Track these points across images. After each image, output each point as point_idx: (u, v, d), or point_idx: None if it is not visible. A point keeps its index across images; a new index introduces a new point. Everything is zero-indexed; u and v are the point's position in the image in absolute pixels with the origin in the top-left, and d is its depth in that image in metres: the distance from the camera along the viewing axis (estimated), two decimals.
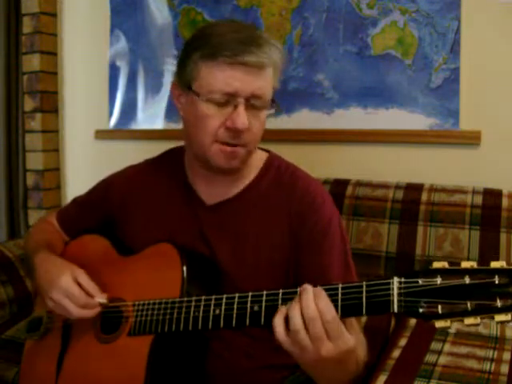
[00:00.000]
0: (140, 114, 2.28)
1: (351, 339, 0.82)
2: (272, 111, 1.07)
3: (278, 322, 0.82)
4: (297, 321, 0.80)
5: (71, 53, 2.44)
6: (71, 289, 1.04)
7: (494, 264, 0.74)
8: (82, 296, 1.04)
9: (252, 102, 1.02)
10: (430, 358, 1.19)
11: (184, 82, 1.06)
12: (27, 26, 2.37)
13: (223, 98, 1.01)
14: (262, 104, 1.03)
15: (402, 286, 0.78)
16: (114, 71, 2.32)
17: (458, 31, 1.71)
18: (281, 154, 1.22)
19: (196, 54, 1.03)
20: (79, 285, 1.06)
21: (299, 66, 1.94)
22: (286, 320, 0.82)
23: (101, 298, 1.06)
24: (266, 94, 1.03)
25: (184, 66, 1.06)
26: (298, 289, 0.86)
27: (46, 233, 1.32)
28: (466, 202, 1.56)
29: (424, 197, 1.61)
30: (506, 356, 1.21)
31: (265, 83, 1.02)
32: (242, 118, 1.00)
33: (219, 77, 1.00)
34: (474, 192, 1.58)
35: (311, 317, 0.80)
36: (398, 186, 1.67)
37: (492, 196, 1.55)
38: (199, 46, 1.03)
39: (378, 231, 1.63)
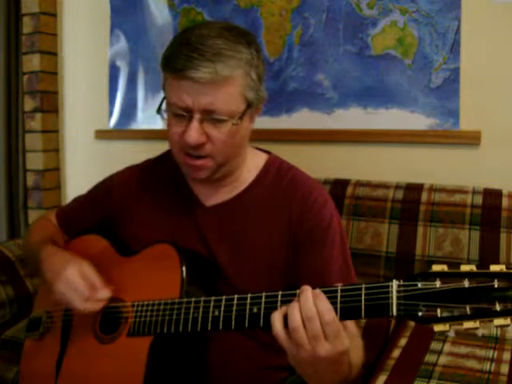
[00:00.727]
0: (140, 114, 2.28)
1: (347, 340, 0.82)
2: (239, 122, 1.02)
3: (276, 318, 0.83)
4: (296, 318, 0.80)
5: (71, 53, 2.44)
6: (76, 281, 1.04)
7: (494, 267, 0.74)
8: (86, 289, 1.04)
9: (208, 116, 1.00)
10: (429, 357, 1.19)
11: (163, 86, 1.07)
12: (27, 26, 2.37)
13: (179, 111, 1.00)
14: (219, 117, 1.00)
15: (401, 289, 0.78)
16: (113, 71, 2.32)
17: (457, 31, 1.71)
18: (281, 154, 1.22)
19: (161, 61, 1.03)
20: (85, 278, 1.06)
21: (299, 66, 1.94)
22: (285, 319, 0.83)
23: (105, 293, 1.05)
24: (224, 107, 0.99)
25: None
26: (298, 290, 0.86)
27: (48, 230, 1.32)
28: (466, 202, 1.56)
29: (424, 197, 1.61)
30: (506, 356, 1.21)
31: (220, 97, 0.98)
32: (192, 133, 0.99)
33: (173, 90, 1.00)
34: (474, 192, 1.58)
35: (310, 316, 0.80)
36: (398, 186, 1.67)
37: (492, 196, 1.55)
38: (163, 53, 1.03)
39: (378, 231, 1.63)
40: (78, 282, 1.04)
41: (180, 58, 0.96)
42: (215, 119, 1.00)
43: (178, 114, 1.01)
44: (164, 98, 1.06)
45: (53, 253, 1.16)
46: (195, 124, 0.99)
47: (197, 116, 0.99)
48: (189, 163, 1.06)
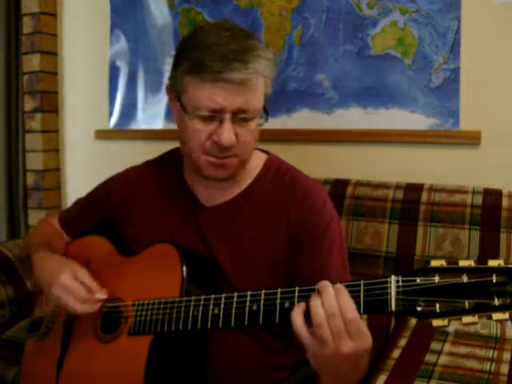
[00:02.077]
0: (140, 114, 2.28)
1: (370, 337, 0.82)
2: (262, 120, 1.04)
3: (297, 313, 0.83)
4: (320, 314, 0.80)
5: (71, 53, 2.44)
6: (71, 285, 1.05)
7: (492, 262, 0.74)
8: (82, 292, 1.05)
9: (239, 116, 1.00)
10: (429, 357, 1.19)
11: (175, 90, 1.06)
12: (27, 25, 2.37)
13: (209, 114, 1.00)
14: (250, 116, 1.01)
15: (400, 284, 0.78)
16: (113, 71, 2.32)
17: (457, 31, 1.71)
18: (281, 154, 1.22)
19: (182, 66, 1.02)
20: (79, 281, 1.06)
21: (299, 65, 1.94)
22: (305, 314, 0.82)
23: (100, 294, 1.06)
24: (254, 105, 1.01)
25: (175, 75, 1.05)
26: (296, 287, 0.86)
27: (46, 234, 1.32)
28: (466, 202, 1.56)
29: (424, 197, 1.61)
30: (506, 356, 1.20)
31: (252, 96, 1.00)
32: (227, 134, 0.99)
33: (204, 93, 0.99)
34: (474, 192, 1.58)
35: (332, 312, 0.80)
36: (398, 186, 1.67)
37: (492, 196, 1.55)
38: (186, 57, 1.01)
39: (378, 231, 1.63)
40: (73, 285, 1.05)
41: (215, 60, 0.96)
42: (244, 118, 1.01)
43: (207, 116, 1.00)
44: (181, 104, 1.04)
45: (44, 257, 1.17)
46: (228, 125, 0.99)
47: (228, 117, 0.99)
48: (214, 162, 1.05)
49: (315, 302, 0.81)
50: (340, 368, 0.85)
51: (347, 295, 0.81)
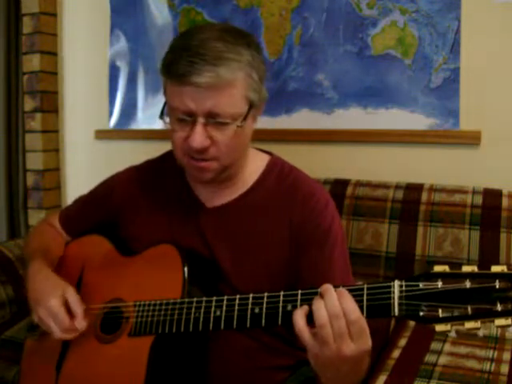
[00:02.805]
0: (140, 114, 2.28)
1: (370, 339, 0.82)
2: (242, 124, 1.01)
3: (299, 315, 0.83)
4: (323, 315, 0.80)
5: (71, 53, 2.43)
6: (57, 313, 1.04)
7: (495, 268, 0.74)
8: (66, 321, 1.05)
9: (212, 120, 0.99)
10: (429, 357, 1.19)
11: (164, 91, 1.07)
12: (27, 25, 2.37)
13: (182, 116, 1.00)
14: (223, 120, 0.99)
15: (403, 289, 0.78)
16: (113, 71, 2.32)
17: (457, 31, 1.71)
18: (281, 154, 1.21)
19: (161, 67, 1.03)
20: (66, 305, 1.06)
21: (299, 65, 1.94)
22: (307, 317, 0.83)
23: (80, 323, 1.05)
24: (227, 110, 0.99)
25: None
26: (299, 290, 0.86)
27: (45, 237, 1.32)
28: (466, 202, 1.56)
29: (424, 197, 1.61)
30: (506, 356, 1.21)
31: (223, 100, 0.98)
32: (197, 137, 0.99)
33: (175, 95, 0.99)
34: (474, 192, 1.58)
35: (336, 313, 0.80)
36: (398, 186, 1.67)
37: (492, 196, 1.55)
38: (163, 58, 1.02)
39: (378, 231, 1.63)
40: (58, 312, 1.05)
41: (181, 63, 0.96)
42: (219, 122, 1.00)
43: (181, 118, 1.01)
44: (165, 103, 1.05)
45: (38, 271, 1.16)
46: (199, 128, 0.99)
47: (200, 120, 0.99)
48: (194, 165, 1.05)
49: (318, 304, 0.81)
50: (340, 369, 0.85)
51: (350, 297, 0.81)
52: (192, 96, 0.97)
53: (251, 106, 1.03)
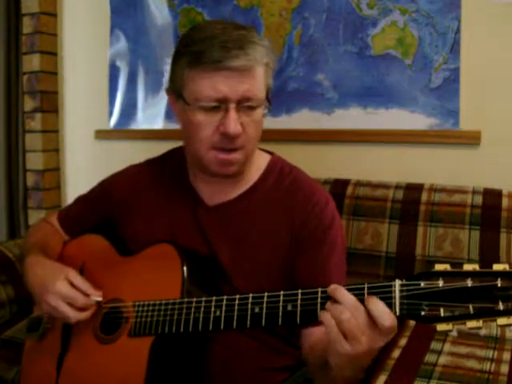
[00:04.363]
0: (140, 114, 2.28)
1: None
2: (266, 110, 1.05)
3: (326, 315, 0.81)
4: (344, 310, 0.79)
5: (71, 53, 2.43)
6: (69, 293, 1.05)
7: (497, 267, 0.74)
8: (80, 298, 1.05)
9: (243, 104, 1.01)
10: (430, 357, 1.19)
11: (176, 89, 1.06)
12: (27, 25, 2.37)
13: (212, 104, 1.00)
14: (254, 104, 1.02)
15: (404, 288, 0.78)
16: (113, 71, 2.32)
17: (458, 31, 1.71)
18: (281, 154, 1.22)
19: (182, 60, 1.03)
20: (74, 286, 1.06)
21: (299, 65, 1.94)
22: None
23: (96, 296, 1.06)
24: (257, 93, 1.02)
25: (174, 73, 1.06)
26: (299, 290, 0.86)
27: (43, 234, 1.31)
28: (466, 202, 1.56)
29: (424, 197, 1.61)
30: (506, 356, 1.20)
31: (254, 84, 1.01)
32: (233, 122, 1.00)
33: (206, 84, 0.99)
34: (474, 192, 1.58)
35: (355, 306, 0.79)
36: (398, 186, 1.67)
37: (492, 196, 1.55)
38: (185, 52, 1.02)
39: (378, 231, 1.63)
40: (68, 292, 1.04)
41: (215, 50, 0.97)
42: (250, 107, 1.01)
43: (212, 106, 1.00)
44: (183, 99, 1.04)
45: (37, 262, 1.16)
46: (233, 113, 1.00)
47: (233, 106, 1.00)
48: (221, 158, 1.05)
49: (334, 306, 0.80)
50: (364, 361, 0.85)
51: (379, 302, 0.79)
52: (225, 82, 0.98)
53: (267, 93, 1.06)
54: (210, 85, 0.99)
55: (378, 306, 0.78)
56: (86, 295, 1.06)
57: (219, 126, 1.01)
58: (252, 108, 1.02)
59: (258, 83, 1.02)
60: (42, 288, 1.08)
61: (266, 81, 1.05)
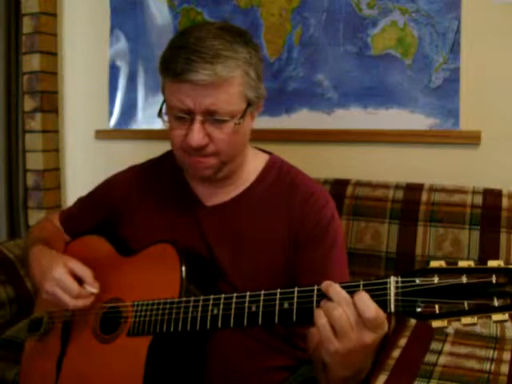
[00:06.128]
0: (140, 114, 2.28)
1: (387, 324, 0.81)
2: (240, 122, 1.02)
3: (318, 313, 0.81)
4: (335, 307, 0.79)
5: (71, 53, 2.44)
6: (64, 279, 1.04)
7: (492, 263, 0.74)
8: (75, 286, 1.04)
9: (210, 117, 1.00)
10: (429, 358, 1.19)
11: (162, 91, 1.08)
12: (27, 25, 2.37)
13: (180, 114, 1.01)
14: (221, 117, 1.00)
15: (399, 285, 0.78)
16: (113, 71, 2.32)
17: (458, 31, 1.71)
18: (281, 154, 1.22)
19: (159, 65, 1.04)
20: (74, 274, 1.06)
21: (299, 65, 1.94)
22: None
23: (91, 287, 1.06)
24: (225, 107, 0.99)
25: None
26: (296, 288, 0.86)
27: (46, 231, 1.32)
28: (466, 202, 1.56)
29: (424, 197, 1.61)
30: (506, 356, 1.20)
31: (221, 97, 0.98)
32: (196, 135, 1.00)
33: (174, 94, 1.00)
34: (474, 192, 1.57)
35: (347, 302, 0.79)
36: (398, 186, 1.67)
37: (492, 196, 1.55)
38: (161, 57, 1.03)
39: (378, 231, 1.63)
40: (65, 279, 1.04)
41: (179, 61, 0.97)
42: (217, 120, 1.00)
43: (180, 116, 1.01)
44: (164, 102, 1.06)
45: (39, 251, 1.16)
46: (197, 126, 1.00)
47: (198, 118, 1.00)
48: (193, 161, 1.06)
49: (328, 304, 0.80)
50: (359, 358, 0.85)
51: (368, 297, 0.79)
52: (189, 94, 0.98)
53: (249, 103, 1.04)
54: (176, 95, 1.00)
55: (362, 298, 0.78)
56: (83, 283, 1.05)
57: (186, 134, 1.02)
58: (221, 121, 1.01)
59: (228, 96, 0.99)
60: (41, 276, 1.09)
61: (243, 92, 1.02)
